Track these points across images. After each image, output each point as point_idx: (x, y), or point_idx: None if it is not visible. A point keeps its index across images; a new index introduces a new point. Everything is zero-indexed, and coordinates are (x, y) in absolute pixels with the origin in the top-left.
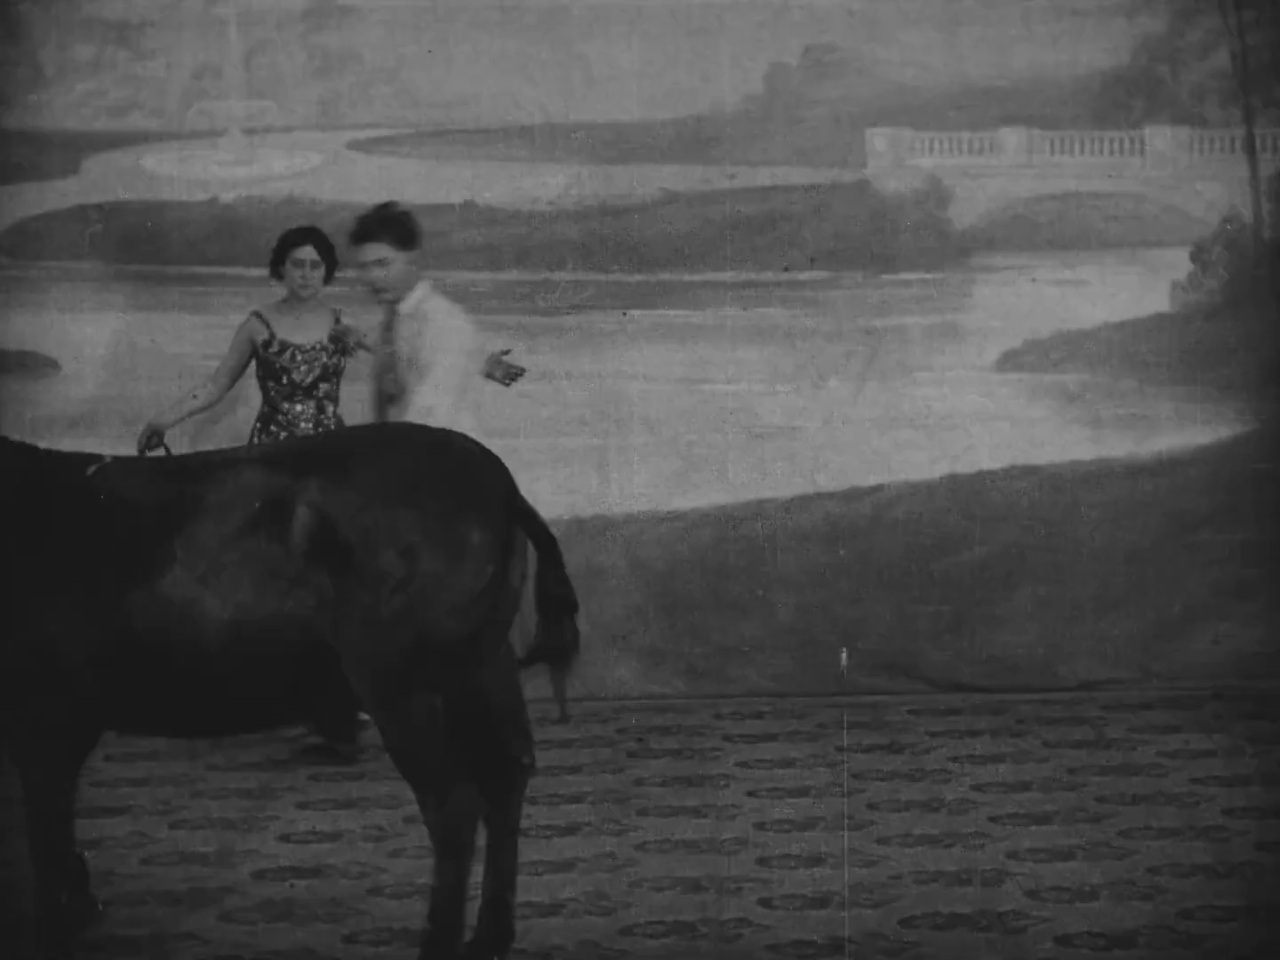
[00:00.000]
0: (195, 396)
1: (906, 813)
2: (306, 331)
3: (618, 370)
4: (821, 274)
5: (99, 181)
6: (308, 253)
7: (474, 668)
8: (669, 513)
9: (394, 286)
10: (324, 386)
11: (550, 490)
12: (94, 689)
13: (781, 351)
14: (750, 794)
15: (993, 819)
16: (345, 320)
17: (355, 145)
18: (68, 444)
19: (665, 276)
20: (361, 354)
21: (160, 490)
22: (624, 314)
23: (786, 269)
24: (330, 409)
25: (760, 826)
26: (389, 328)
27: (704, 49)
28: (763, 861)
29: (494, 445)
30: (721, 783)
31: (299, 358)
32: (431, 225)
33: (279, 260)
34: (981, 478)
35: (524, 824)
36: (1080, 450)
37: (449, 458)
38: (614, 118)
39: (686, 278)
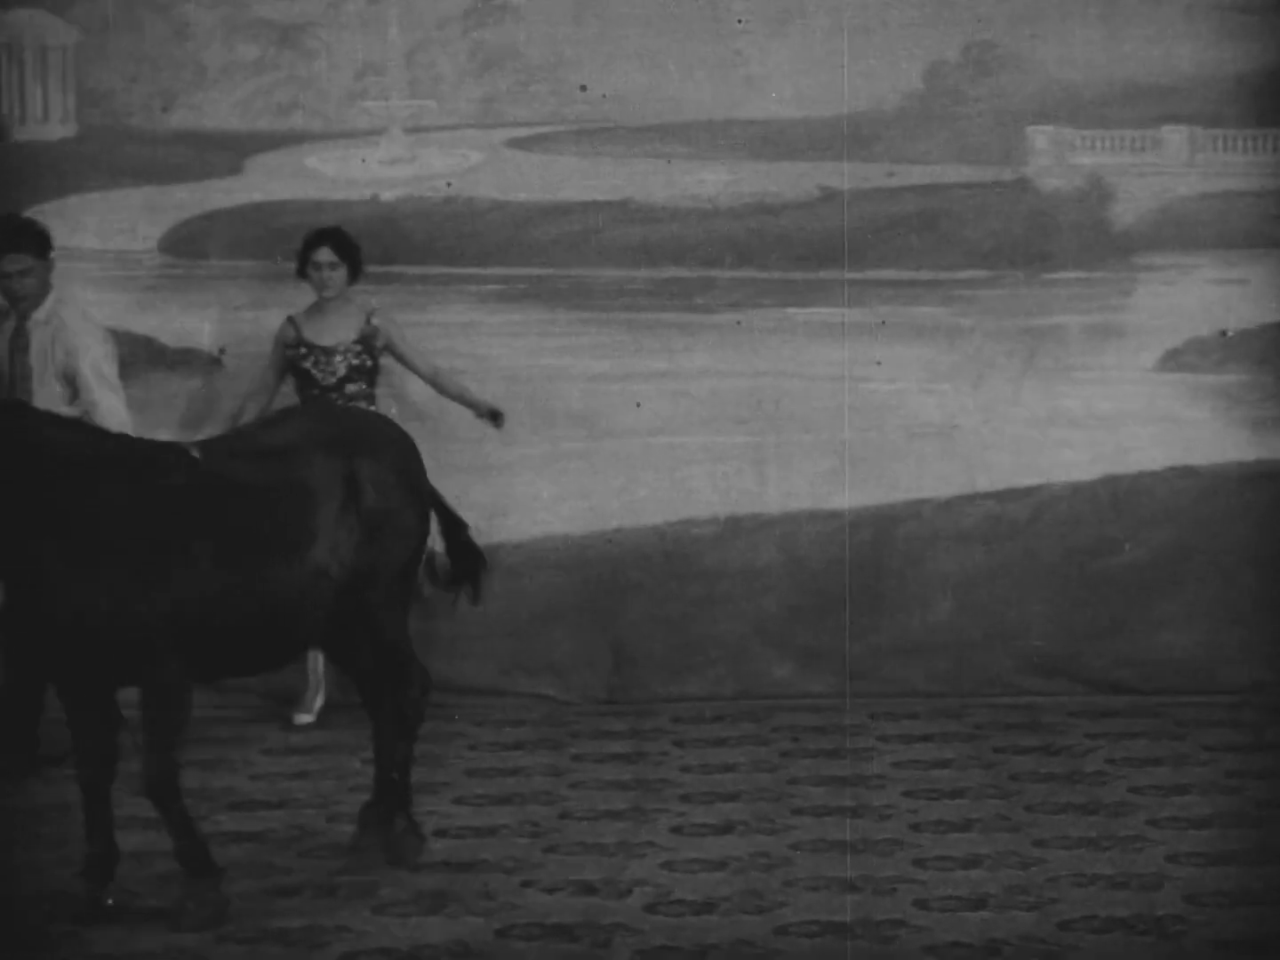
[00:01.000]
0: (244, 410)
1: (1063, 815)
2: (333, 333)
3: (775, 368)
4: (980, 273)
5: (262, 181)
6: (325, 254)
7: None
8: (826, 511)
9: (33, 295)
10: (351, 388)
11: (707, 488)
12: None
13: (940, 350)
14: (906, 794)
15: (1151, 822)
16: (376, 321)
17: (514, 143)
18: None
19: (823, 274)
20: (389, 356)
21: (266, 473)
22: (782, 312)
23: (936, 267)
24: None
25: (915, 828)
26: (20, 334)
27: (864, 46)
28: (918, 863)
29: (652, 443)
30: (877, 783)
31: (321, 359)
32: (589, 223)
33: (302, 262)
34: (1141, 478)
35: (678, 822)
36: (1241, 451)
37: (411, 443)
38: (773, 115)
39: (845, 275)
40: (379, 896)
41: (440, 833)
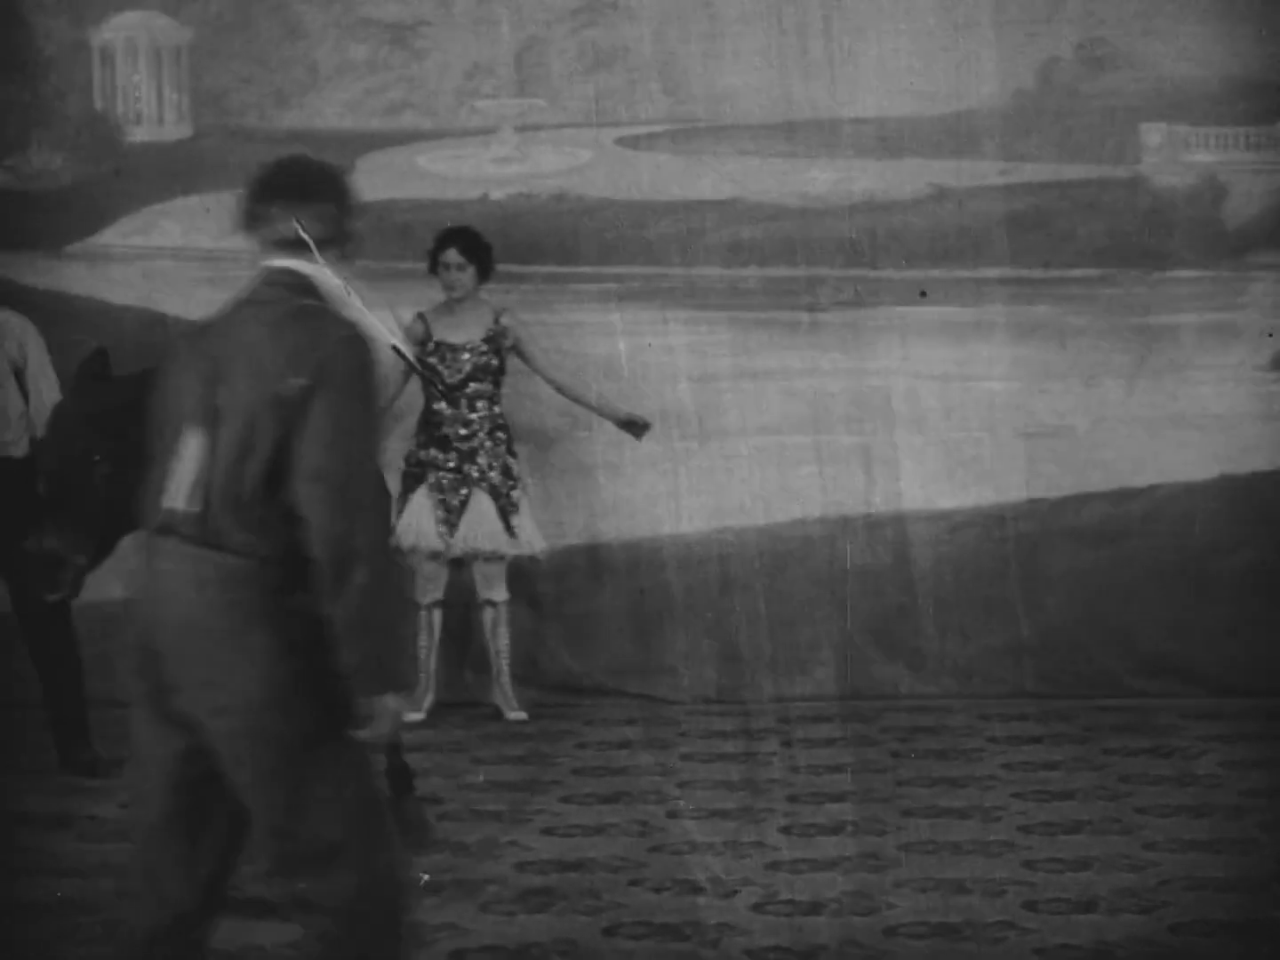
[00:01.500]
0: None
1: (1175, 818)
2: (462, 331)
3: (885, 367)
4: (1093, 271)
5: (372, 180)
6: (451, 256)
7: None
8: (936, 512)
9: None
10: (474, 386)
11: (816, 488)
12: None
13: (1052, 349)
14: (1016, 796)
15: (1263, 826)
16: (505, 321)
17: (624, 141)
18: None
19: (934, 273)
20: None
21: None
22: (892, 311)
23: (1047, 265)
24: (484, 408)
25: (1025, 830)
26: None
27: (975, 43)
28: (1028, 864)
29: (759, 442)
30: (987, 784)
31: (448, 356)
32: (699, 221)
33: (433, 261)
34: (1256, 479)
35: (787, 822)
36: None
37: None
38: (883, 113)
39: (956, 274)
40: (485, 894)
41: (548, 831)
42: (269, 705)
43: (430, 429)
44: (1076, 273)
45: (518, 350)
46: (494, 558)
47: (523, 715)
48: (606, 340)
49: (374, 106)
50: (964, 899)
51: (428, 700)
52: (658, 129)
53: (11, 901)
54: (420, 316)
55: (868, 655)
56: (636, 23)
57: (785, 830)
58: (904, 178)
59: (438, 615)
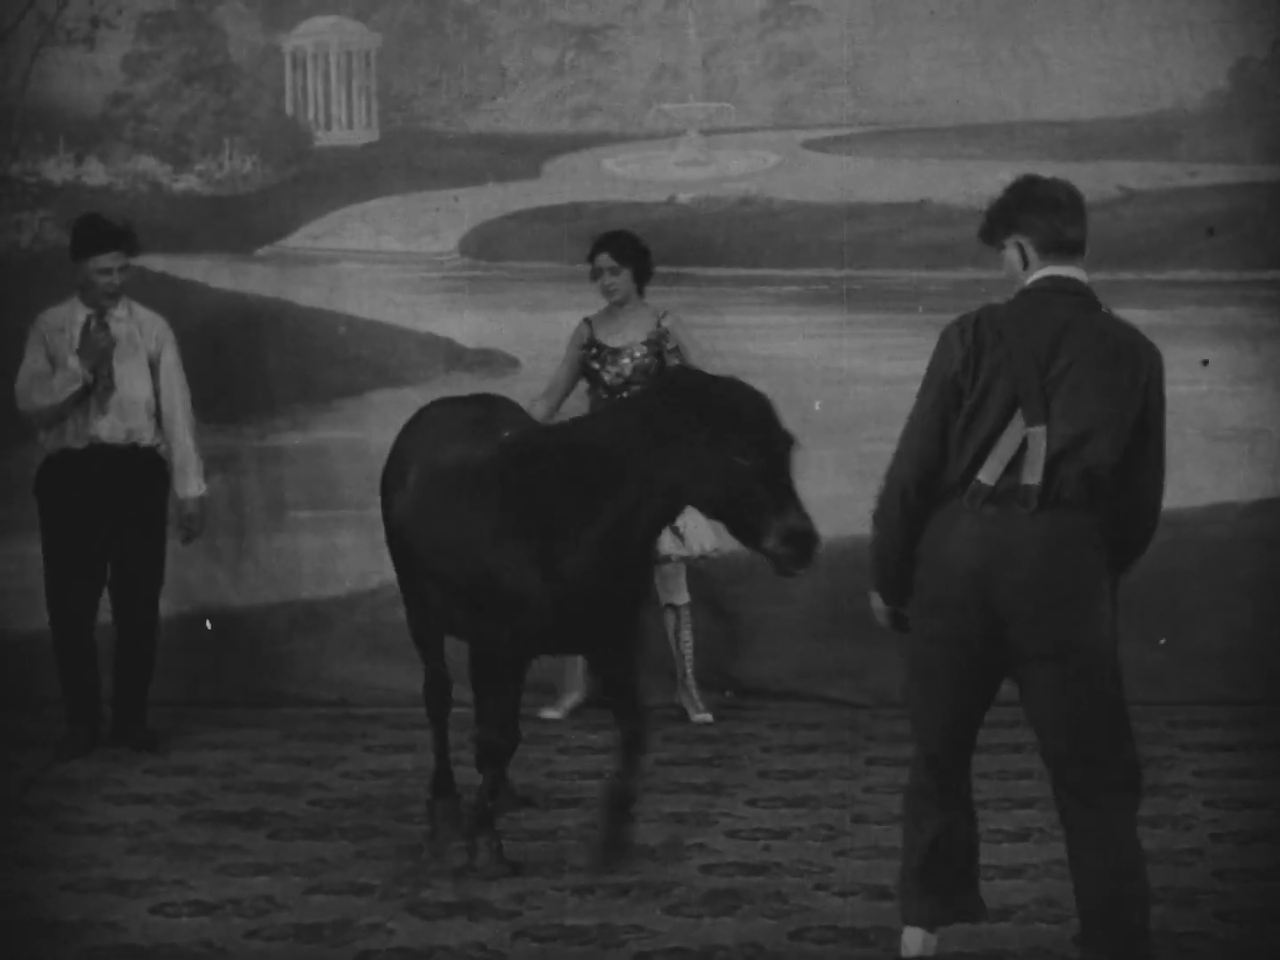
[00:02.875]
0: (533, 409)
1: None
2: (624, 334)
3: None
4: None
5: (559, 184)
6: (604, 260)
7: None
8: None
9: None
10: (636, 389)
11: None
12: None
13: (1244, 352)
14: (1207, 804)
15: None
16: (666, 323)
17: (811, 145)
18: None
19: (1124, 275)
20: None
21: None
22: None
23: (1247, 268)
24: None
25: (1217, 838)
26: (102, 327)
27: (1167, 44)
28: (1219, 874)
29: None
30: (1177, 792)
31: (609, 359)
32: (886, 224)
33: (591, 268)
34: None
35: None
36: None
37: None
38: (1072, 115)
39: (1146, 276)
40: (671, 896)
41: (732, 834)
42: (1113, 644)
43: None
44: (1267, 274)
45: (679, 353)
46: (664, 560)
47: (708, 718)
48: (795, 343)
49: (561, 110)
50: (1155, 908)
51: (569, 701)
52: (844, 132)
53: None
54: (586, 321)
55: None
56: (823, 25)
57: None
58: (1092, 180)
59: None
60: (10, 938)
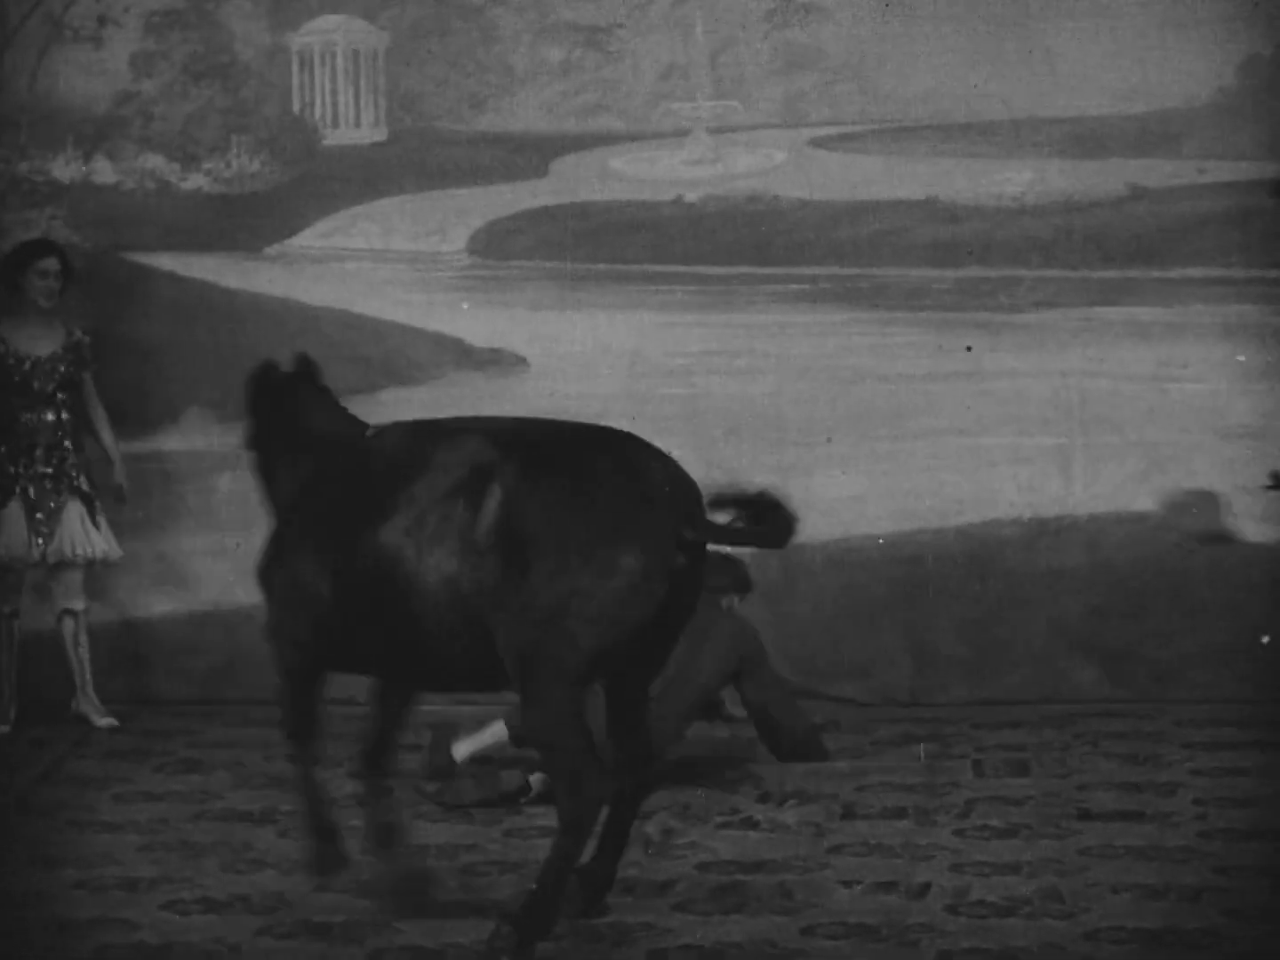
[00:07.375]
0: None
1: None
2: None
3: (1082, 368)
4: None
5: (567, 183)
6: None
7: (620, 671)
8: (1133, 513)
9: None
10: None
11: (1012, 489)
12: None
13: (1252, 350)
14: (1198, 801)
15: None
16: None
17: (818, 142)
18: None
19: (1132, 273)
20: None
21: (407, 450)
22: (1089, 311)
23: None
24: None
25: (1205, 836)
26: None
27: (1174, 41)
28: (1219, 870)
29: (956, 443)
30: (1170, 790)
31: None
32: (894, 222)
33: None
34: None
35: (1000, 824)
36: None
37: (629, 481)
38: (1080, 112)
39: (1154, 274)
40: (676, 893)
41: (732, 830)
42: None
43: None
44: (1275, 273)
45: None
46: (71, 563)
47: (114, 722)
48: (803, 341)
49: (568, 109)
50: (1159, 904)
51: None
52: (852, 130)
53: None
54: None
55: (1062, 658)
56: (831, 23)
57: (959, 834)
58: (1100, 177)
59: None
60: (23, 935)
